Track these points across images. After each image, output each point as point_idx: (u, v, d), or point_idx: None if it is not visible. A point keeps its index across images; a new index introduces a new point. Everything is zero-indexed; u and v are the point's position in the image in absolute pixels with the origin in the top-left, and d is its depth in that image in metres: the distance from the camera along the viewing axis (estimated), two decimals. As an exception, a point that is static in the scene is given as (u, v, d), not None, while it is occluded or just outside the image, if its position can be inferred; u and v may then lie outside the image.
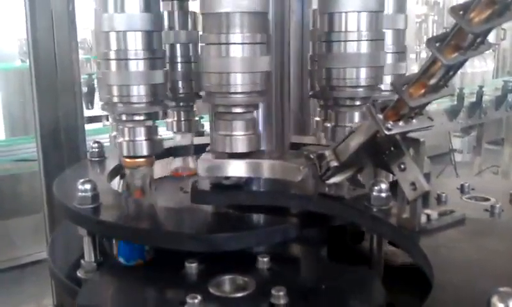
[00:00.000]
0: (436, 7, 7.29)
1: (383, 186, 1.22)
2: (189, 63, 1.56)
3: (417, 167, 1.09)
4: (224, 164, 1.24)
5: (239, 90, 1.19)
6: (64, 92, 2.19)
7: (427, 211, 1.16)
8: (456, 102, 5.11)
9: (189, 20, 1.55)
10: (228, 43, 1.17)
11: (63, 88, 2.19)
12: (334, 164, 1.12)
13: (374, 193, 1.20)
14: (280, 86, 1.36)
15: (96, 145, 1.68)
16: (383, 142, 1.11)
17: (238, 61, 1.18)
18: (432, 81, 0.92)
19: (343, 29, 1.29)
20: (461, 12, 0.82)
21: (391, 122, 0.99)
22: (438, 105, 5.09)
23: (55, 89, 2.18)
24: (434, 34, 6.95)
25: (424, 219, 1.13)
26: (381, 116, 1.00)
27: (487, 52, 4.66)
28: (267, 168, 1.24)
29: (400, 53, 1.50)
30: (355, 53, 1.29)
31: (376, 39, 1.30)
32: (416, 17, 7.08)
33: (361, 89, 1.32)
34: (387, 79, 1.41)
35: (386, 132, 0.99)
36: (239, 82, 1.19)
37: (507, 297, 0.69)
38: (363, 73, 1.29)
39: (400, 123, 1.01)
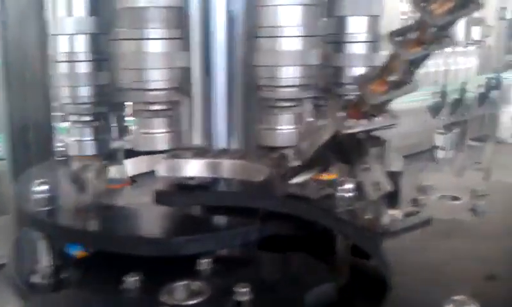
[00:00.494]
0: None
1: (349, 186, 1.19)
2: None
3: (380, 167, 1.05)
4: (181, 163, 1.20)
5: (154, 87, 1.19)
6: (34, 90, 2.13)
7: (393, 211, 1.12)
8: (439, 99, 5.11)
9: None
10: (143, 39, 1.17)
11: (33, 86, 2.13)
12: (295, 163, 1.08)
13: (340, 193, 1.17)
14: (203, 83, 1.35)
15: (62, 144, 1.62)
16: (347, 141, 1.07)
17: (153, 56, 1.17)
18: (394, 77, 0.88)
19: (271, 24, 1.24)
20: (422, 4, 0.78)
21: (351, 120, 0.95)
22: (421, 102, 5.09)
23: (24, 87, 2.12)
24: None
25: (387, 220, 1.10)
26: (341, 114, 0.96)
27: (470, 48, 4.66)
28: (227, 168, 1.20)
29: (374, 42, 1.42)
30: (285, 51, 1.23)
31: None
32: (402, 14, 7.05)
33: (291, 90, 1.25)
34: (359, 71, 1.35)
35: (346, 131, 0.95)
36: (154, 78, 1.18)
37: (461, 305, 0.65)
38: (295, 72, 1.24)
39: (362, 121, 0.97)
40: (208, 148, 1.34)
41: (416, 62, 0.86)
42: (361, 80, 0.91)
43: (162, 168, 1.22)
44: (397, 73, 0.87)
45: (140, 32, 1.17)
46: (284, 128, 1.25)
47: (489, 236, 1.11)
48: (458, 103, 5.16)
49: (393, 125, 1.00)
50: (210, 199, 1.29)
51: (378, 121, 0.98)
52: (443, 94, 5.04)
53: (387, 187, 1.03)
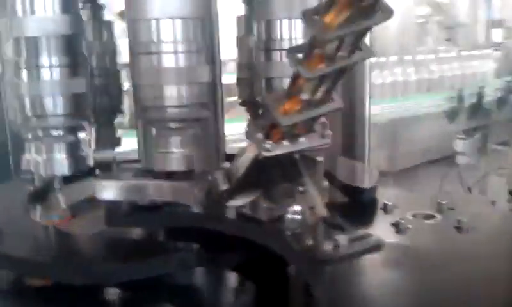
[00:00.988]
0: (440, 8, 7.11)
1: (298, 208, 1.11)
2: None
3: (315, 190, 0.97)
4: (107, 186, 1.14)
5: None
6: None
7: (338, 236, 1.04)
8: (456, 104, 4.96)
9: (104, 30, 1.44)
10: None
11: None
12: (224, 187, 1.00)
13: (289, 215, 1.09)
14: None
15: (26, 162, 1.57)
16: (284, 162, 0.99)
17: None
18: (305, 96, 0.80)
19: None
20: (315, 16, 0.69)
21: (270, 142, 0.87)
22: (437, 107, 4.95)
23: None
24: (439, 36, 6.80)
25: (330, 246, 1.01)
26: (259, 136, 0.88)
27: (487, 51, 4.49)
28: (153, 189, 1.13)
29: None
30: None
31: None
32: (418, 18, 6.93)
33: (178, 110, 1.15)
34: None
35: (265, 154, 0.87)
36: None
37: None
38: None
39: (285, 143, 0.89)
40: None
41: (328, 80, 0.78)
42: (270, 99, 0.83)
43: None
44: (307, 91, 0.78)
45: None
46: (175, 152, 1.15)
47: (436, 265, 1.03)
48: (476, 107, 4.99)
49: (322, 145, 0.92)
50: (159, 220, 1.23)
51: (303, 142, 0.90)
52: (460, 98, 4.88)
53: (321, 212, 0.94)
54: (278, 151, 0.87)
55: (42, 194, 1.28)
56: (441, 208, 1.44)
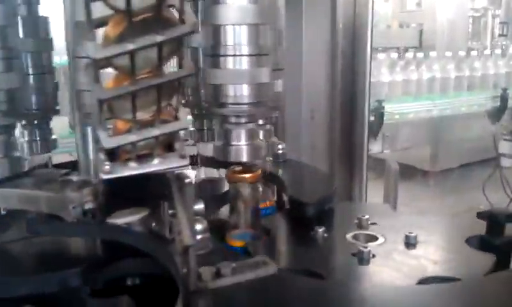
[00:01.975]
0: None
1: (200, 227, 1.03)
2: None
3: (183, 215, 0.88)
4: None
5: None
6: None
7: (224, 263, 0.95)
8: (498, 103, 4.67)
9: (39, 25, 1.38)
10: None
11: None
12: (89, 205, 0.93)
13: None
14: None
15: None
16: (156, 181, 0.91)
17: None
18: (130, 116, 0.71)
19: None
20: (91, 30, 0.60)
21: (110, 163, 0.79)
22: (478, 107, 4.70)
23: None
24: (495, 30, 6.46)
25: (209, 275, 0.93)
26: (101, 155, 0.80)
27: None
28: (28, 200, 1.07)
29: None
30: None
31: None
32: (475, 12, 6.61)
33: None
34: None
35: (103, 176, 0.79)
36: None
37: None
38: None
39: (131, 164, 0.80)
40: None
41: (145, 98, 0.68)
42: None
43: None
44: (126, 112, 0.69)
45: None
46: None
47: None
48: (521, 108, 4.69)
49: (180, 167, 0.83)
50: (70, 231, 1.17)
51: (155, 163, 0.81)
52: (504, 98, 4.60)
53: (185, 240, 0.86)
54: (121, 173, 0.79)
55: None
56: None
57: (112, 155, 0.80)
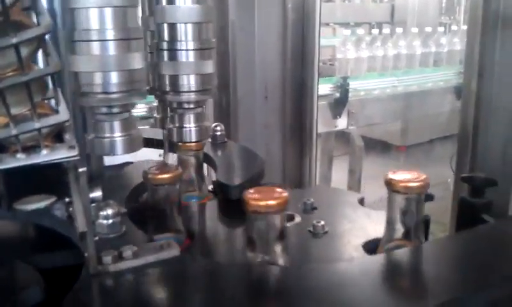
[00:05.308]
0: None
1: (110, 211, 1.07)
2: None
3: (78, 202, 0.92)
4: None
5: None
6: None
7: (125, 247, 0.99)
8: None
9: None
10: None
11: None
12: (-8, 193, 0.97)
13: (99, 220, 1.06)
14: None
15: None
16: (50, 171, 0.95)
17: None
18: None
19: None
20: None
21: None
22: (445, 83, 4.75)
23: None
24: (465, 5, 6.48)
25: (110, 258, 0.97)
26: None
27: None
28: None
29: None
30: None
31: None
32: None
33: None
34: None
35: (-11, 167, 0.83)
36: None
37: None
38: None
39: (19, 155, 0.84)
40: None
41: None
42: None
43: None
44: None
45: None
46: None
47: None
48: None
49: (69, 157, 0.87)
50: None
51: (43, 155, 0.85)
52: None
53: (80, 226, 0.90)
54: (9, 164, 0.83)
55: None
56: (306, 207, 1.38)
57: (2, 147, 0.84)
